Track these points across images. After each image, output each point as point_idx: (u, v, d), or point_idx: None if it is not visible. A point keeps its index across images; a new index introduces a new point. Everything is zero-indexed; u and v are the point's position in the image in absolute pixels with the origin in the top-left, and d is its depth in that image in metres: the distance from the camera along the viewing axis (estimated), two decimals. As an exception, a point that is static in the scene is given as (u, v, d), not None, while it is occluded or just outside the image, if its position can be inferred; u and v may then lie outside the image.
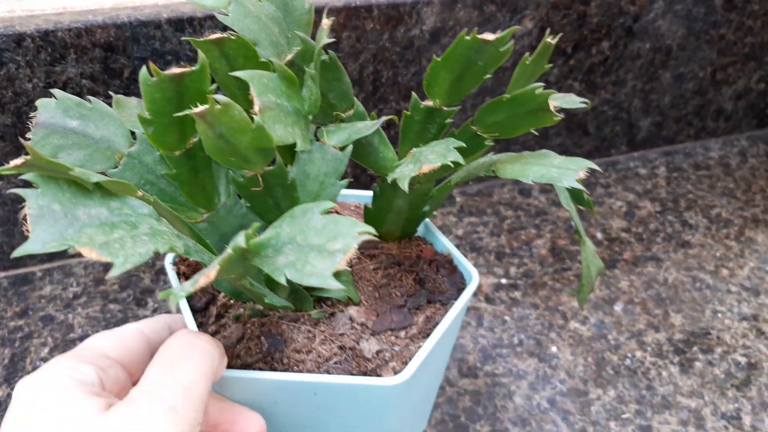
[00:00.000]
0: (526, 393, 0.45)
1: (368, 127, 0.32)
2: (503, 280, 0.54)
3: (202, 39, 0.27)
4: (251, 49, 0.28)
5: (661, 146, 0.74)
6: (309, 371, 0.29)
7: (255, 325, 0.31)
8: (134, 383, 0.25)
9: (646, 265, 0.57)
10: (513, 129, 0.30)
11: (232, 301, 0.33)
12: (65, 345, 0.47)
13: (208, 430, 0.29)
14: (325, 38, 0.28)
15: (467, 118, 0.31)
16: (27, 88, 0.45)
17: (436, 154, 0.27)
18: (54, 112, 0.26)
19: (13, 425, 0.23)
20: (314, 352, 0.30)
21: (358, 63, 0.52)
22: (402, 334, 0.32)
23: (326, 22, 0.29)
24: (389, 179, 0.28)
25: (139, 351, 0.28)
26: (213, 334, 0.31)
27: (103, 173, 0.26)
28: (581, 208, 0.34)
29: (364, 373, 0.29)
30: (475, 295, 0.53)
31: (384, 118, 0.33)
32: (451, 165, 0.25)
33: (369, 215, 0.36)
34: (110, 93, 0.31)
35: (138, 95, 0.26)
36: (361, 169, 0.59)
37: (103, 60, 0.45)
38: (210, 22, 0.47)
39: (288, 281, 0.20)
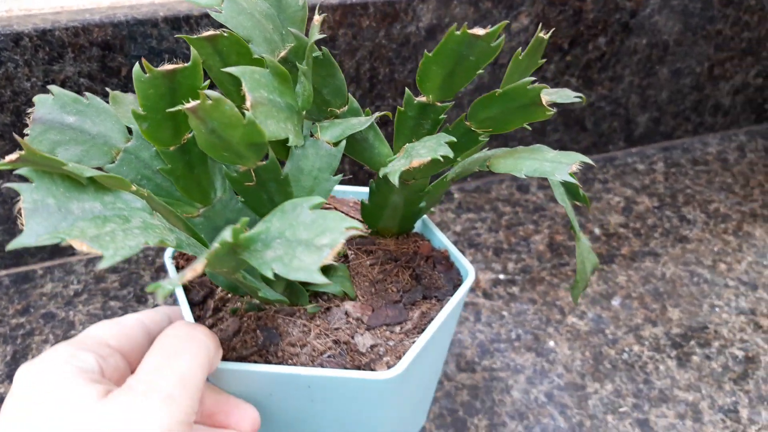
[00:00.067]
0: (523, 387, 0.45)
1: (362, 122, 0.32)
2: (501, 276, 0.55)
3: (195, 36, 0.27)
4: (244, 46, 0.28)
5: (659, 142, 0.74)
6: (303, 365, 0.29)
7: (251, 318, 0.31)
8: (133, 372, 0.25)
9: (643, 260, 0.57)
10: (506, 124, 0.30)
11: (229, 295, 0.33)
12: (65, 342, 0.47)
13: (204, 421, 0.29)
14: (316, 34, 0.29)
15: (462, 114, 0.31)
16: (25, 87, 0.45)
17: (427, 149, 0.27)
18: (51, 108, 0.27)
19: (13, 409, 0.23)
20: (309, 346, 0.30)
21: (354, 60, 0.53)
22: (397, 329, 0.32)
23: (317, 18, 0.30)
24: (380, 174, 0.28)
25: (139, 341, 0.29)
26: (210, 327, 0.32)
27: (100, 168, 0.26)
28: (578, 203, 0.34)
29: (358, 368, 0.30)
30: (473, 290, 0.53)
31: (377, 114, 0.33)
32: (441, 159, 0.26)
33: (366, 211, 0.36)
34: (108, 91, 0.31)
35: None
36: (358, 166, 0.60)
37: (100, 58, 0.46)
38: (206, 20, 0.47)
39: (276, 275, 0.20)
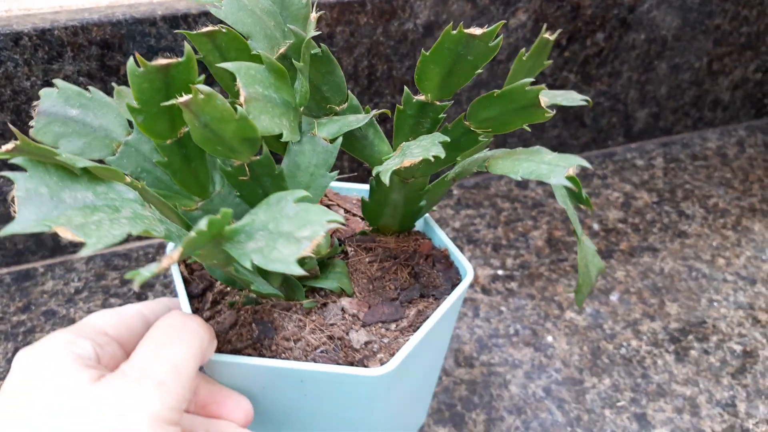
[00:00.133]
0: (521, 382, 0.45)
1: (359, 120, 0.32)
2: (500, 272, 0.55)
3: (195, 32, 0.28)
4: (242, 42, 0.28)
5: (659, 137, 0.74)
6: (296, 359, 0.29)
7: (248, 312, 0.32)
8: None
9: (642, 255, 0.57)
10: (505, 125, 0.30)
11: (228, 289, 0.34)
12: (66, 339, 0.48)
13: (197, 411, 0.29)
14: (312, 31, 0.29)
15: (462, 112, 0.31)
16: (25, 86, 0.45)
17: (421, 149, 0.27)
18: (55, 101, 0.27)
19: (11, 392, 0.24)
20: (303, 341, 0.30)
21: (352, 57, 0.53)
22: (392, 326, 0.32)
23: (314, 15, 0.30)
24: (373, 173, 0.28)
25: (138, 331, 0.29)
26: (207, 320, 0.32)
27: (101, 161, 0.26)
28: (581, 206, 0.34)
29: (351, 363, 0.30)
30: (471, 286, 0.53)
31: (375, 112, 0.33)
32: (432, 159, 0.26)
33: (366, 208, 0.36)
34: (114, 86, 0.31)
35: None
36: (357, 163, 0.60)
37: (99, 57, 0.46)
38: (204, 18, 0.47)
39: (254, 265, 0.20)
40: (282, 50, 0.31)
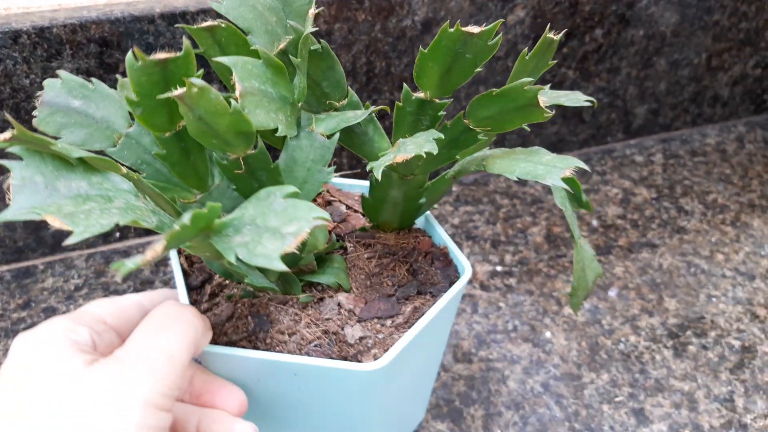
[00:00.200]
0: (520, 377, 0.45)
1: (357, 116, 0.32)
2: (498, 268, 0.55)
3: (195, 27, 0.28)
4: (242, 38, 0.29)
5: (658, 133, 0.74)
6: (290, 352, 0.30)
7: (245, 305, 0.32)
8: None
9: (641, 251, 0.57)
10: (504, 124, 0.29)
11: (226, 282, 0.34)
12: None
13: (192, 401, 0.30)
14: (309, 27, 0.29)
15: (462, 109, 0.31)
16: (24, 84, 0.46)
17: (414, 145, 0.27)
18: (59, 92, 0.28)
19: (8, 375, 0.24)
20: (298, 335, 0.30)
21: (350, 54, 0.53)
22: (388, 322, 0.32)
23: (312, 11, 0.30)
24: (367, 168, 0.28)
25: (136, 320, 0.29)
26: (205, 312, 0.32)
27: (102, 152, 0.27)
28: (583, 211, 0.33)
29: (345, 358, 0.30)
30: (470, 282, 0.53)
31: (373, 108, 0.33)
32: (424, 155, 0.26)
33: (366, 205, 0.36)
34: (118, 78, 0.32)
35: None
36: (358, 160, 0.60)
37: (98, 55, 0.46)
38: (203, 15, 0.47)
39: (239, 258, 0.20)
40: (282, 46, 0.31)
